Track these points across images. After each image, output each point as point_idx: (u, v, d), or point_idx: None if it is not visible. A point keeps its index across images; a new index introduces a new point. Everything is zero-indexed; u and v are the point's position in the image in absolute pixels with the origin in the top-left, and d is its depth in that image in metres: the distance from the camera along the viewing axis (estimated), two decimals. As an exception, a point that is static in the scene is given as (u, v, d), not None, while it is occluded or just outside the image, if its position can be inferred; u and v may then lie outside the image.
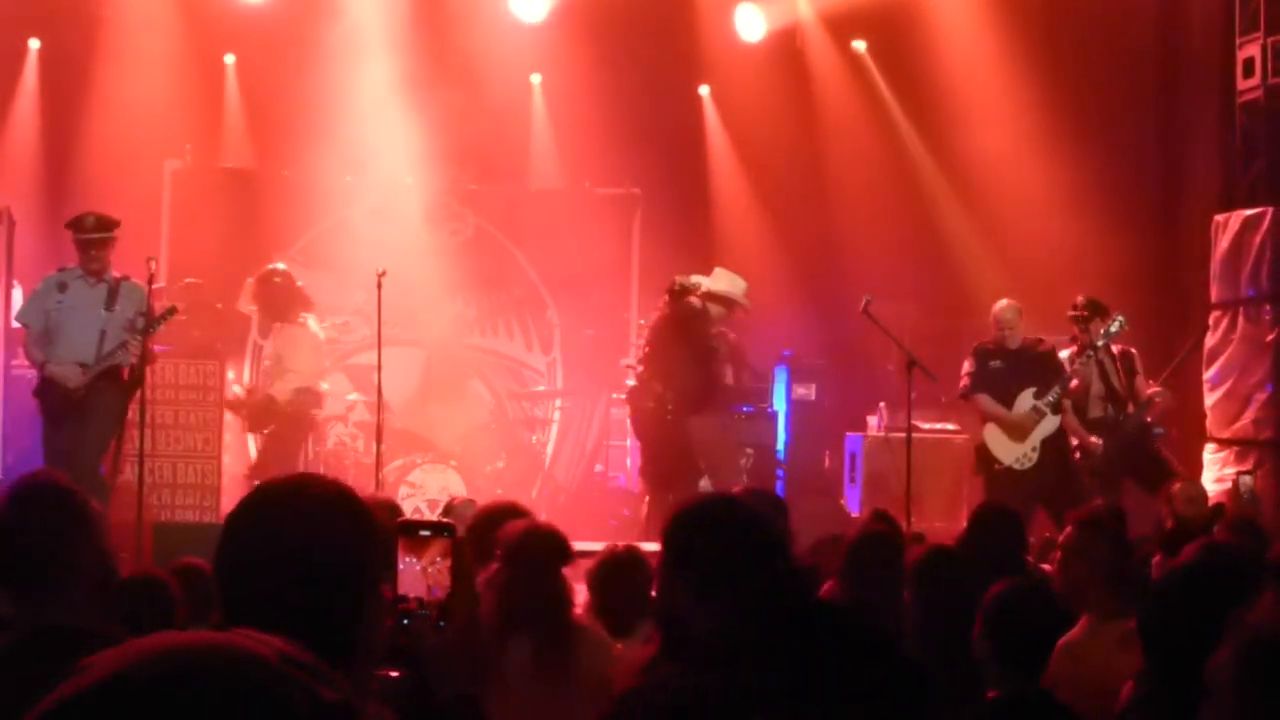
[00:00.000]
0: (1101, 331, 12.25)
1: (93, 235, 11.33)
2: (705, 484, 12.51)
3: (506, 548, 5.63)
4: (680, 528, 3.81)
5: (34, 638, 3.78)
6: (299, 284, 13.47)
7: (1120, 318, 12.27)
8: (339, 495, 2.79)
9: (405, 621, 3.11)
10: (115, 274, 11.43)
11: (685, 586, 3.71)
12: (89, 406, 11.07)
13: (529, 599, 5.54)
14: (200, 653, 1.88)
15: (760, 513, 3.91)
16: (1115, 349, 12.50)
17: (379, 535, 2.81)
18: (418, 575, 3.19)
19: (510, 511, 6.73)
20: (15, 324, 12.70)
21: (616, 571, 6.18)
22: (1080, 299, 12.54)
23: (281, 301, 13.33)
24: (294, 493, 2.77)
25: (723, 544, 3.71)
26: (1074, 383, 12.29)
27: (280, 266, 13.66)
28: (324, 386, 13.50)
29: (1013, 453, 12.23)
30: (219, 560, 2.71)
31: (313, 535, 2.68)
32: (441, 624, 3.10)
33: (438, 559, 3.20)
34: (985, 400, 12.39)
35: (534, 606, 5.56)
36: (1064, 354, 12.60)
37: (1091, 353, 12.24)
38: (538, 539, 5.72)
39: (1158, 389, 12.70)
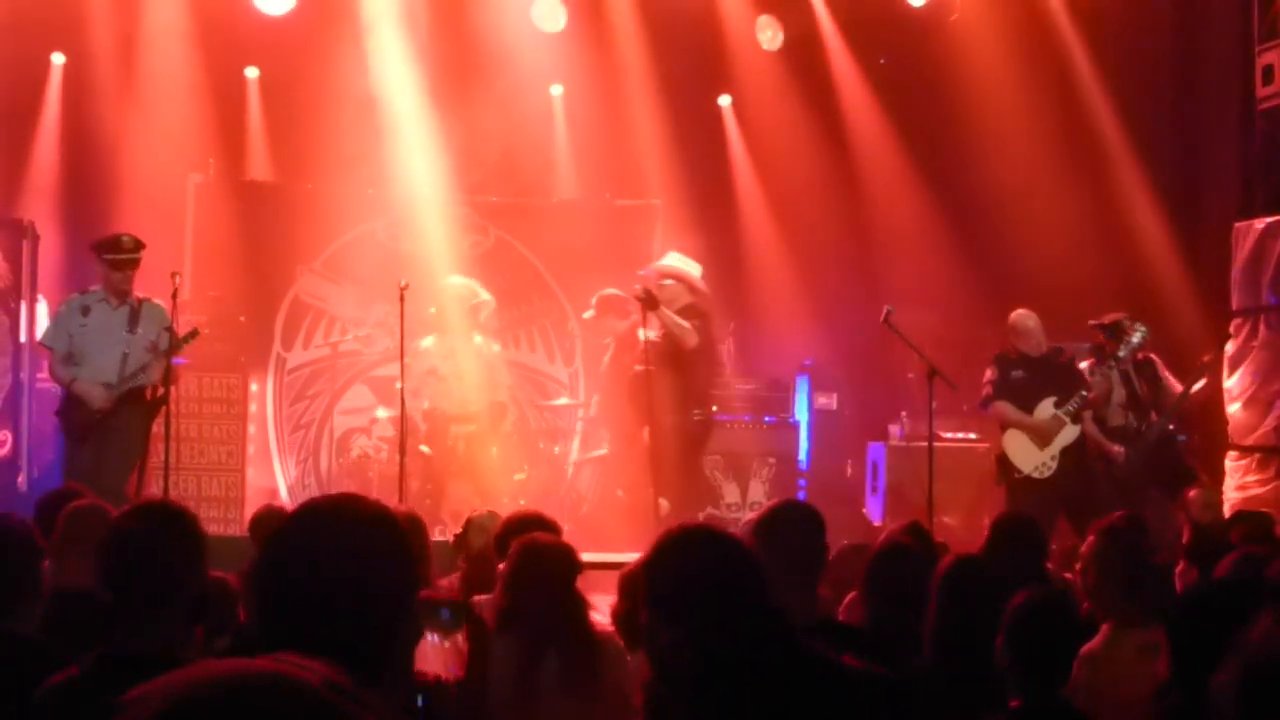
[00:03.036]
0: (1123, 343, 12.25)
1: (131, 256, 11.35)
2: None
3: (510, 568, 5.67)
4: (652, 569, 3.78)
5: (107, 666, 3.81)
6: None
7: (1143, 329, 12.27)
8: (379, 516, 2.81)
9: (425, 698, 3.11)
10: (137, 295, 11.44)
11: (656, 628, 3.69)
12: (111, 427, 11.09)
13: (539, 615, 5.58)
14: (247, 684, 1.90)
15: (739, 547, 3.88)
16: (1138, 356, 12.49)
17: (416, 556, 2.83)
18: (436, 651, 3.18)
19: (536, 522, 6.77)
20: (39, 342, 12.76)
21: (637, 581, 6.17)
22: (1105, 315, 12.56)
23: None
24: (336, 514, 2.79)
25: (694, 583, 3.68)
26: (1093, 393, 12.29)
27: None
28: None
29: (1032, 461, 12.23)
30: (260, 580, 2.73)
31: (355, 557, 2.70)
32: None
33: (457, 636, 3.19)
34: (1006, 408, 12.40)
35: (546, 622, 5.59)
36: (1084, 365, 12.62)
37: (1114, 363, 12.25)
38: (541, 556, 5.74)
39: (1201, 379, 12.66)
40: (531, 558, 5.72)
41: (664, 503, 12.43)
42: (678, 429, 12.82)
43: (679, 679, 3.58)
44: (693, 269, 13.25)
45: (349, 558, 2.70)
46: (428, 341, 13.86)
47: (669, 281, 13.00)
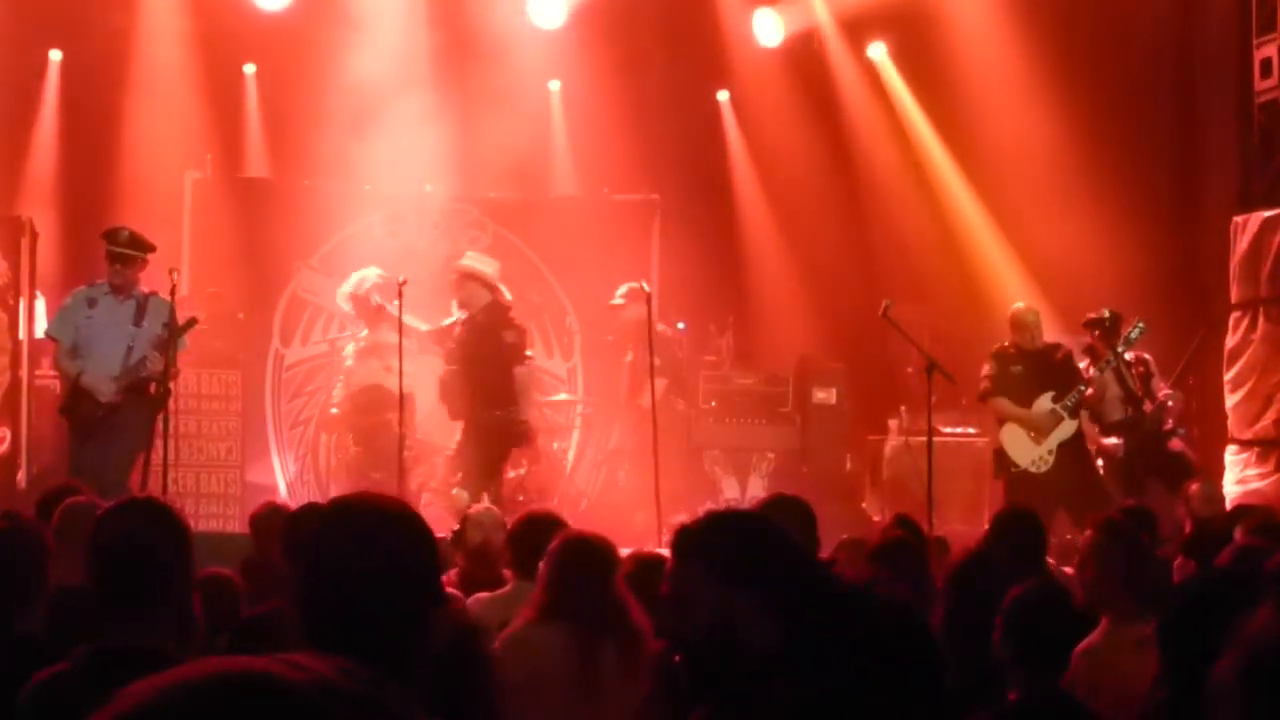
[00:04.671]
0: (1121, 337, 12.25)
1: (122, 250, 11.33)
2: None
3: (557, 563, 5.72)
4: (731, 544, 3.75)
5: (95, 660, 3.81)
6: None
7: (1140, 324, 12.27)
8: (403, 513, 2.87)
9: None
10: (144, 290, 11.44)
11: (748, 604, 3.61)
12: (116, 422, 11.08)
13: (595, 608, 5.64)
14: (229, 685, 1.90)
15: (785, 519, 3.92)
16: (1130, 356, 12.50)
17: (440, 550, 2.90)
18: None
19: (552, 521, 6.82)
20: (40, 336, 12.75)
21: (650, 577, 6.16)
22: (1102, 309, 12.57)
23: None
24: (364, 513, 2.84)
25: (779, 555, 3.67)
26: (1089, 391, 12.30)
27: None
28: None
29: (1029, 455, 12.24)
30: (302, 582, 2.77)
31: (386, 555, 2.76)
32: None
33: None
34: (1003, 403, 12.40)
35: (602, 614, 5.66)
36: (1082, 365, 12.62)
37: (1111, 359, 12.25)
38: (589, 550, 5.82)
39: (1169, 392, 12.69)
40: (580, 553, 5.81)
41: (462, 493, 12.45)
42: (480, 425, 12.80)
43: (752, 651, 3.55)
44: (488, 266, 13.21)
45: (381, 555, 2.77)
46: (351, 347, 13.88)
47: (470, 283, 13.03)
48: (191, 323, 11.42)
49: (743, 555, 3.66)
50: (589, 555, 5.83)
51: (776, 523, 3.85)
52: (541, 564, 5.92)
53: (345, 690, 1.98)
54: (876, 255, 16.15)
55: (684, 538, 3.74)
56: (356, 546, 2.79)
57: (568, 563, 5.78)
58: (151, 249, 11.53)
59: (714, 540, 3.71)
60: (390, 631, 2.72)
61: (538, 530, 6.82)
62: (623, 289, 14.26)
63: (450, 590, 7.06)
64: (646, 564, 6.27)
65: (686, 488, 13.92)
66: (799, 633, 3.49)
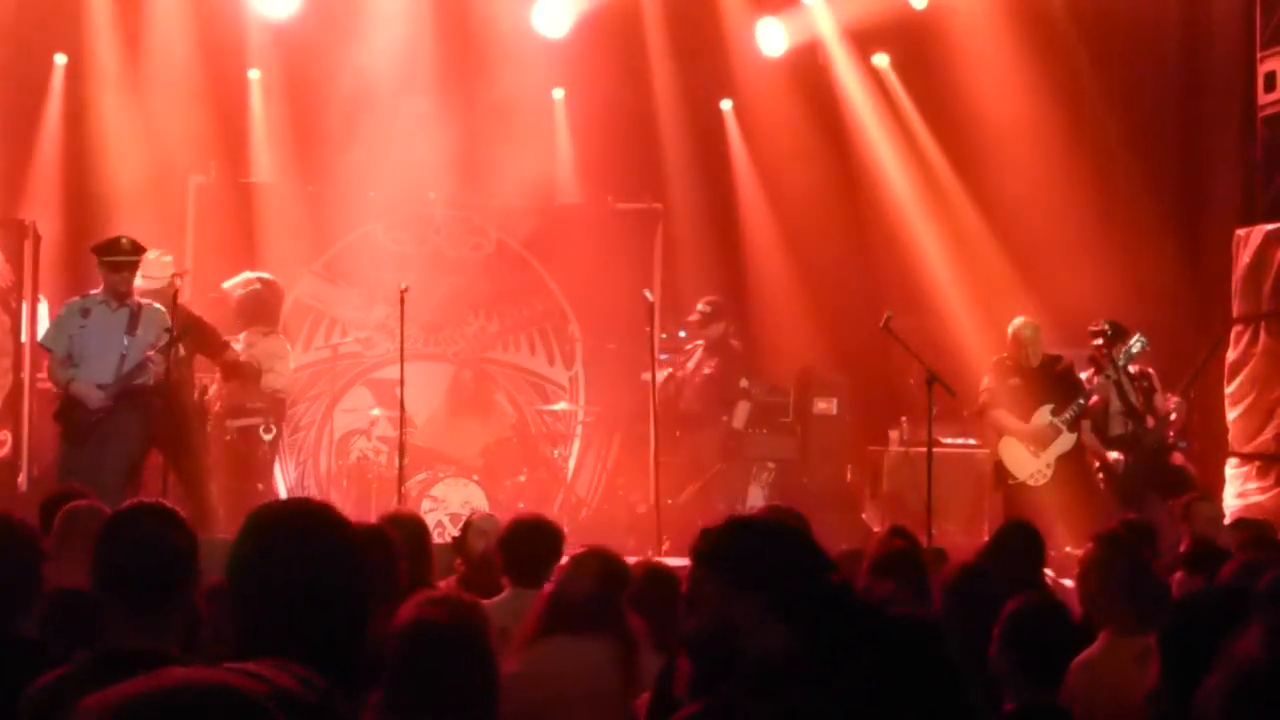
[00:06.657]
0: (1122, 351, 12.25)
1: (130, 258, 11.37)
2: None
3: (598, 575, 5.69)
4: (739, 550, 3.76)
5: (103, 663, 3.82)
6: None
7: (1141, 337, 12.26)
8: (326, 521, 2.85)
9: None
10: (137, 299, 11.47)
11: (750, 609, 3.62)
12: (108, 429, 11.11)
13: (624, 621, 5.64)
14: (189, 697, 1.91)
15: (803, 530, 3.93)
16: (1133, 369, 12.50)
17: (375, 558, 2.88)
18: None
19: (542, 526, 6.81)
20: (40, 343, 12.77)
21: (653, 588, 6.15)
22: (1101, 321, 12.56)
23: (267, 309, 13.47)
24: (282, 522, 2.85)
25: (788, 562, 3.68)
26: (1094, 398, 12.29)
27: (266, 276, 13.71)
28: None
29: (1027, 468, 12.24)
30: (231, 587, 2.76)
31: (302, 562, 2.75)
32: None
33: None
34: (1002, 416, 12.39)
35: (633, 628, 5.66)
36: (1083, 375, 12.62)
37: (1111, 372, 12.24)
38: (617, 566, 5.81)
39: (1176, 400, 12.69)
40: (617, 568, 5.77)
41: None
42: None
43: (773, 660, 3.55)
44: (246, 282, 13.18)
45: (296, 563, 2.76)
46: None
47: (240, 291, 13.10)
48: (186, 332, 11.50)
49: (747, 561, 3.68)
50: (621, 570, 5.81)
51: (797, 533, 3.85)
52: (561, 578, 5.84)
53: (302, 700, 1.99)
54: (878, 266, 16.14)
55: (699, 542, 3.77)
56: (265, 556, 2.78)
57: (610, 576, 5.74)
58: (144, 248, 11.61)
59: (722, 545, 3.73)
60: (322, 640, 2.69)
61: (528, 536, 6.84)
62: (702, 304, 14.30)
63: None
64: (653, 573, 6.29)
65: (691, 497, 13.94)
66: (806, 643, 3.48)
